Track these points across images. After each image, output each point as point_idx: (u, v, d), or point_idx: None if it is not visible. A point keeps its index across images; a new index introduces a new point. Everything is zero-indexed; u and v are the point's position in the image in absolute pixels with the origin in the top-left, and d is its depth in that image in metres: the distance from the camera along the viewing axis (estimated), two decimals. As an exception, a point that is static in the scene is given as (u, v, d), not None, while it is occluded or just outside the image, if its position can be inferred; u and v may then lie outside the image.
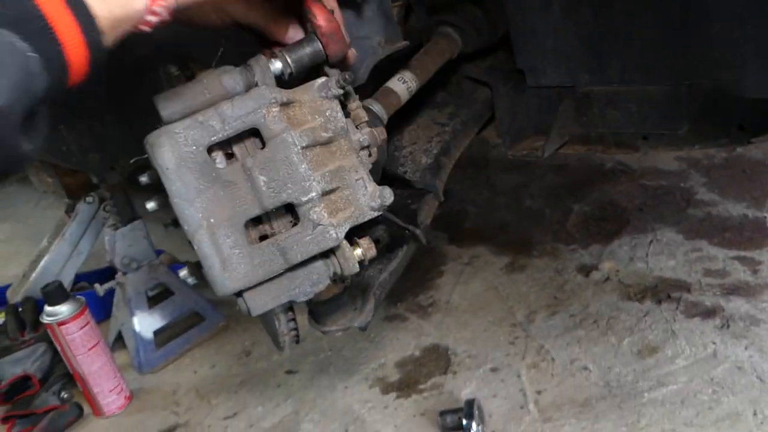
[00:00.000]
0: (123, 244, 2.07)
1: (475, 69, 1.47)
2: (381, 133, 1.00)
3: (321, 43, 0.91)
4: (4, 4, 0.50)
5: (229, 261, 0.83)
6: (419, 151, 1.43)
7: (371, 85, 1.37)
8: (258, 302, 0.88)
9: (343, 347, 1.97)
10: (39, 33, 0.52)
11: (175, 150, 0.82)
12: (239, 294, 0.87)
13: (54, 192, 2.44)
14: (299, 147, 0.84)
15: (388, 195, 0.90)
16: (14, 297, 2.30)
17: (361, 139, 0.93)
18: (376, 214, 0.92)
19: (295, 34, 0.93)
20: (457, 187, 2.84)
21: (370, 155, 0.97)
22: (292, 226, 0.87)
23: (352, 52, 0.97)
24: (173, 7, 0.65)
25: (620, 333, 1.77)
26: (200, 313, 2.19)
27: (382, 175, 1.41)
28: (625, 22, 1.12)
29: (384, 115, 1.23)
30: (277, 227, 0.88)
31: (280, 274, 0.87)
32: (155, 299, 2.17)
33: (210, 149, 0.85)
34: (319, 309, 1.15)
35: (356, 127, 0.96)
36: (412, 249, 1.24)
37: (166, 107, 0.86)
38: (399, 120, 1.55)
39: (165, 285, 2.17)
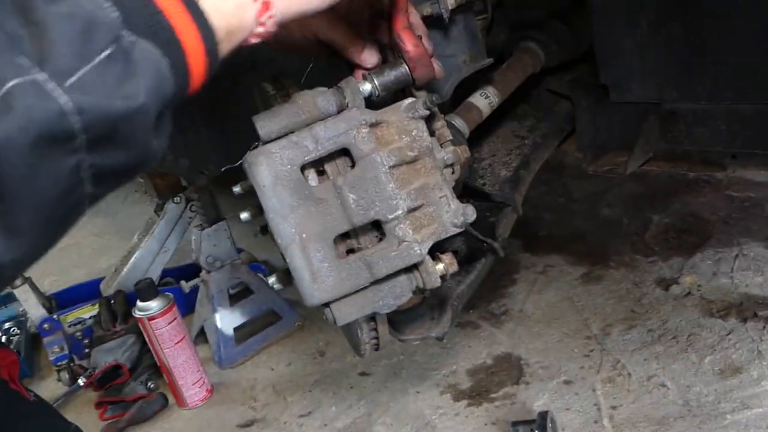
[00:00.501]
0: (208, 243, 2.17)
1: (557, 82, 1.47)
2: (464, 152, 1.02)
3: (408, 67, 0.94)
4: (133, 15, 0.54)
5: (319, 274, 0.88)
6: (498, 163, 1.44)
7: (452, 99, 1.40)
8: (344, 313, 0.92)
9: (416, 352, 2.00)
10: (168, 42, 0.56)
11: (272, 169, 0.87)
12: (326, 305, 0.92)
13: (145, 192, 2.59)
14: (387, 167, 0.88)
15: (470, 213, 0.93)
16: (107, 290, 2.46)
17: (445, 158, 0.96)
18: (458, 230, 0.95)
19: (369, 56, 0.97)
20: (532, 192, 2.81)
21: (453, 173, 1.00)
22: (378, 241, 0.91)
23: (439, 71, 1.00)
24: (278, 19, 0.70)
25: (701, 351, 1.72)
26: (278, 312, 2.28)
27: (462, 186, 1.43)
28: (716, 38, 1.09)
29: (466, 130, 1.26)
30: (363, 242, 0.92)
31: (365, 287, 0.91)
32: (236, 297, 2.26)
33: (303, 167, 0.90)
34: (398, 318, 1.19)
35: (440, 146, 0.99)
36: (490, 262, 1.26)
37: (264, 126, 0.91)
38: (478, 130, 1.56)
39: (245, 284, 2.26)
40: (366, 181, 0.87)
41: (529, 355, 1.87)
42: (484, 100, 1.30)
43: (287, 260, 0.88)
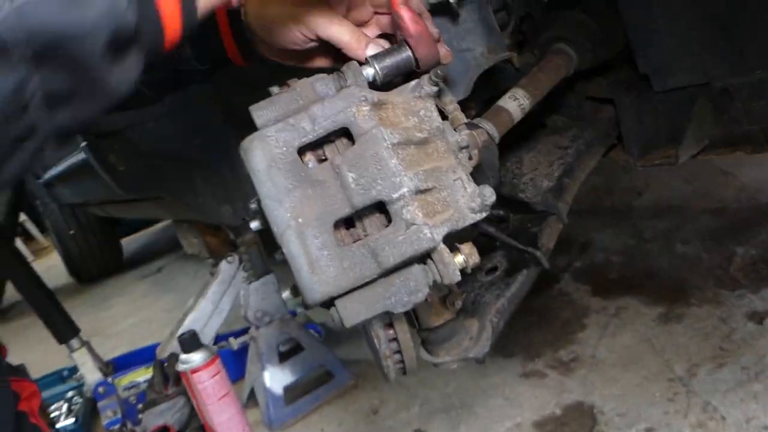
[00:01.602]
0: (256, 297, 2.12)
1: (596, 88, 1.36)
2: (481, 135, 0.93)
3: (410, 48, 0.88)
4: None
5: (318, 263, 0.78)
6: (540, 176, 1.32)
7: (481, 105, 1.32)
8: (351, 311, 0.81)
9: (474, 404, 1.82)
10: None
11: (267, 152, 0.80)
12: (332, 303, 0.82)
13: (200, 253, 2.61)
14: (389, 142, 0.79)
15: (488, 194, 0.82)
16: (162, 354, 2.42)
17: (459, 140, 0.87)
18: (477, 217, 0.83)
19: (374, 51, 0.91)
20: (599, 236, 2.63)
21: (470, 158, 0.91)
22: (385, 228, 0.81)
23: (446, 53, 0.92)
24: None
25: (808, 388, 1.47)
26: (330, 370, 2.16)
27: (499, 198, 1.32)
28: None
29: (495, 133, 1.16)
30: (369, 231, 0.82)
31: (374, 281, 0.81)
32: (286, 355, 2.17)
33: (303, 153, 0.83)
34: (431, 337, 1.06)
35: (455, 130, 0.90)
36: (533, 274, 1.12)
37: (261, 116, 0.85)
38: (518, 148, 1.46)
39: (296, 340, 2.17)
40: (366, 158, 0.79)
41: (604, 402, 1.66)
42: (513, 103, 1.20)
43: (284, 250, 0.79)
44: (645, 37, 1.10)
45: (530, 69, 1.31)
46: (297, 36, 0.90)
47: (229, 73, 1.04)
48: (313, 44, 0.92)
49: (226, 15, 0.93)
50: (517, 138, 1.52)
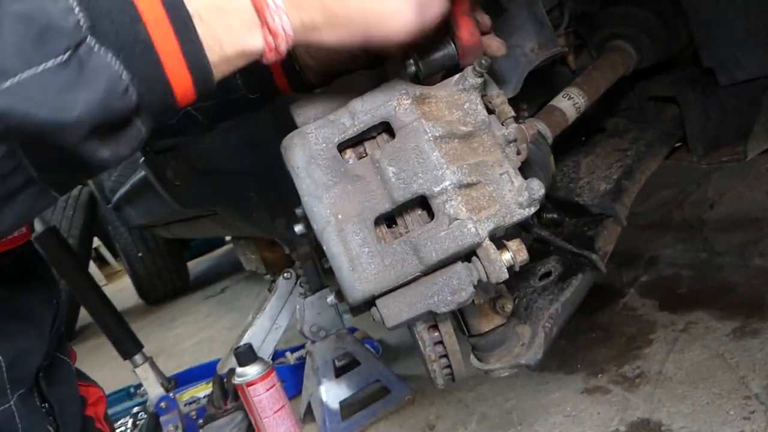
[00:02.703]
0: (311, 312, 2.12)
1: (658, 87, 1.30)
2: (530, 128, 0.90)
3: (456, 52, 0.85)
4: (102, 22, 0.52)
5: (358, 260, 0.76)
6: (598, 179, 1.27)
7: (534, 110, 1.28)
8: (393, 311, 0.79)
9: (535, 422, 1.75)
10: (142, 57, 0.54)
11: (306, 149, 0.80)
12: (373, 303, 0.80)
13: (257, 269, 2.65)
14: (431, 135, 0.77)
15: (536, 187, 0.78)
16: (221, 369, 2.46)
17: (506, 134, 0.84)
18: (526, 213, 0.80)
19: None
20: (667, 251, 2.51)
21: (518, 153, 0.87)
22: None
23: (499, 46, 0.90)
24: (295, 38, 0.65)
25: None
26: (386, 385, 2.13)
27: (554, 202, 1.27)
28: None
29: (548, 133, 1.12)
30: (411, 227, 0.80)
31: (417, 280, 0.78)
32: (342, 369, 2.16)
33: (344, 150, 0.82)
34: (480, 343, 1.02)
35: (502, 124, 0.87)
36: (589, 279, 1.07)
37: (301, 114, 0.86)
38: (576, 153, 1.41)
39: (352, 355, 2.15)
40: (407, 151, 0.77)
41: (672, 419, 1.55)
42: (567, 102, 1.16)
43: (324, 248, 0.78)
44: (710, 28, 1.04)
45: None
46: (344, 54, 0.88)
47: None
48: (360, 58, 0.90)
49: None
50: (576, 143, 1.47)
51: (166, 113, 0.60)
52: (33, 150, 0.52)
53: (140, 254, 5.18)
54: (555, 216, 1.19)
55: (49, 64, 0.49)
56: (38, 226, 2.22)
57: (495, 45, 0.90)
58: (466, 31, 0.85)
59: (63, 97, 0.49)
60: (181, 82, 0.57)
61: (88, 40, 0.51)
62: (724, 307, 1.96)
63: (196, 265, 6.74)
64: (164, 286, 5.58)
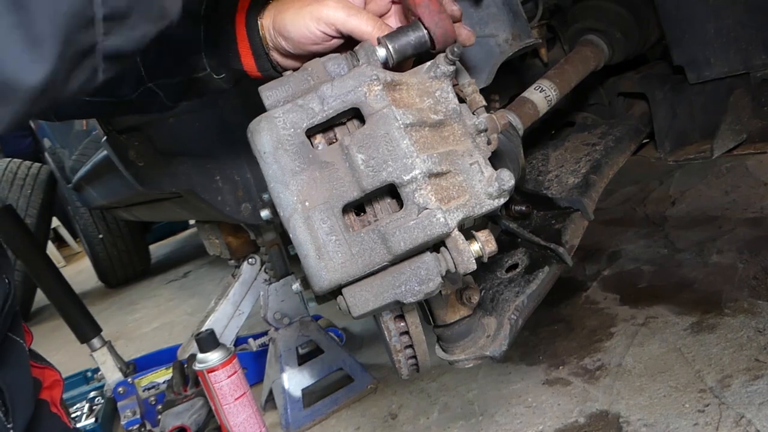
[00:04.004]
0: (275, 299, 2.09)
1: (627, 83, 1.31)
2: (501, 119, 0.89)
3: (424, 26, 0.84)
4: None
5: (325, 248, 0.75)
6: (566, 173, 1.28)
7: (506, 103, 1.28)
8: (359, 300, 0.77)
9: (496, 412, 1.76)
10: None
11: (273, 134, 0.78)
12: (339, 291, 0.78)
13: (221, 254, 2.60)
14: (401, 123, 0.76)
15: (506, 177, 0.77)
16: (182, 355, 2.42)
17: (476, 123, 0.83)
18: (495, 203, 0.79)
19: None
20: (630, 246, 2.55)
21: (489, 143, 0.87)
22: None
23: (468, 35, 0.89)
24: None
25: None
26: (349, 373, 2.12)
27: (522, 194, 1.27)
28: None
29: (519, 125, 1.12)
30: (380, 216, 0.79)
31: (384, 269, 0.77)
32: (305, 357, 2.14)
33: (313, 136, 0.80)
34: (446, 334, 1.02)
35: (473, 113, 0.86)
36: (555, 271, 1.07)
37: (270, 96, 0.83)
38: (546, 146, 1.42)
39: (315, 342, 2.14)
40: (377, 138, 0.75)
41: (630, 411, 1.58)
42: (538, 94, 1.16)
43: (290, 235, 0.76)
44: (681, 27, 1.05)
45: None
46: (317, 33, 0.87)
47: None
48: (334, 42, 0.89)
49: (244, 28, 0.91)
50: (545, 136, 1.47)
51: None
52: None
53: (101, 236, 5.06)
54: (523, 208, 1.19)
55: None
56: (-8, 205, 2.15)
57: (464, 34, 0.89)
58: (424, 9, 0.84)
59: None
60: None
61: None
62: (683, 302, 2.00)
63: (158, 249, 6.62)
64: (125, 269, 5.46)
